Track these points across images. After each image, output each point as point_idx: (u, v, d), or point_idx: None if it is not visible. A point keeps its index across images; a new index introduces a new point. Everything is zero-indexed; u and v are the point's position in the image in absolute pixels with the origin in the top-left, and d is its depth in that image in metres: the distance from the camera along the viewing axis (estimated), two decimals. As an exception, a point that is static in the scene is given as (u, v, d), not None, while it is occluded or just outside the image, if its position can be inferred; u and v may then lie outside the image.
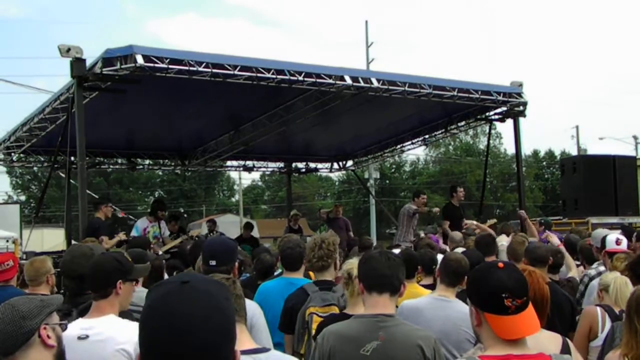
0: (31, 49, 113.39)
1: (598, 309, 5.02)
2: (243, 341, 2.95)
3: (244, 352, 2.86)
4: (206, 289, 1.68)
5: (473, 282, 2.83)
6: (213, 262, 4.26)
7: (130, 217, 17.24)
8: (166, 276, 7.68)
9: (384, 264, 3.66)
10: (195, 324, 1.59)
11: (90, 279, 3.87)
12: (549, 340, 3.36)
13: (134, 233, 11.68)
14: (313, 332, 4.49)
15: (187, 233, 12.57)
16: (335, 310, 4.66)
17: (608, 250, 6.69)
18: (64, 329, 2.86)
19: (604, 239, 6.94)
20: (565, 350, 3.37)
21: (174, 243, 11.23)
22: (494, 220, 12.96)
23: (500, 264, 2.72)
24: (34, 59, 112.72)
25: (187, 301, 1.62)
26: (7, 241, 15.33)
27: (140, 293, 5.35)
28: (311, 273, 6.92)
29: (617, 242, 6.76)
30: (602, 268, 6.75)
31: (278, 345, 4.58)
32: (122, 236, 10.70)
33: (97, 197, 27.44)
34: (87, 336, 3.51)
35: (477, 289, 2.76)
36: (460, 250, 6.83)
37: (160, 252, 10.30)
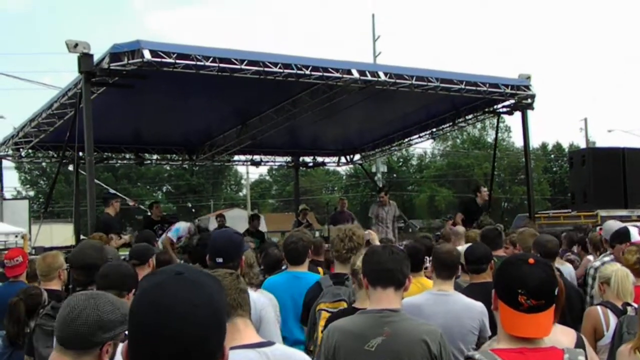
0: (37, 45, 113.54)
1: (599, 308, 4.97)
2: (248, 335, 2.96)
3: (249, 346, 2.86)
4: (199, 282, 1.66)
5: (499, 269, 2.80)
6: (220, 259, 4.23)
7: (141, 206, 17.22)
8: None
9: (388, 258, 3.62)
10: (184, 316, 1.57)
11: (108, 277, 3.84)
12: (562, 335, 3.32)
13: (172, 233, 11.45)
14: (320, 328, 4.50)
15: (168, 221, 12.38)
16: (344, 305, 4.64)
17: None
18: (122, 340, 2.83)
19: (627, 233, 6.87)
20: (579, 344, 3.33)
21: (124, 240, 10.77)
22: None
23: (531, 260, 2.64)
24: (41, 55, 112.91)
25: (178, 292, 1.61)
26: (17, 236, 15.39)
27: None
28: (320, 269, 6.96)
29: None
30: (606, 259, 6.72)
31: (284, 340, 4.58)
32: (127, 239, 10.58)
33: (108, 189, 27.40)
34: None
35: (499, 277, 2.74)
36: (464, 244, 6.79)
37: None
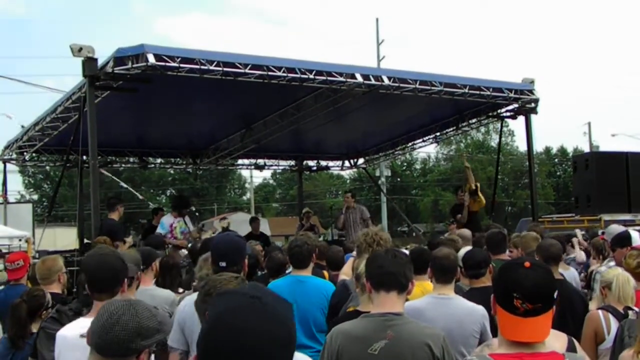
0: (38, 48, 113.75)
1: (600, 312, 4.97)
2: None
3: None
4: (275, 308, 1.71)
5: (497, 273, 2.79)
6: (223, 263, 4.24)
7: (150, 203, 17.20)
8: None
9: (391, 262, 3.64)
10: (263, 341, 1.61)
11: (98, 278, 3.81)
12: (554, 339, 3.31)
13: (160, 230, 11.71)
14: None
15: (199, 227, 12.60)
16: None
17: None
18: (153, 351, 2.78)
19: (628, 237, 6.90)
20: (571, 349, 3.33)
21: (128, 244, 11.03)
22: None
23: (527, 263, 2.62)
24: (42, 59, 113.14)
25: (257, 318, 1.64)
26: (20, 240, 15.41)
27: (151, 291, 5.38)
28: (325, 272, 6.98)
29: None
30: (611, 263, 6.73)
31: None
32: (130, 241, 10.74)
33: (119, 182, 27.39)
34: None
35: (496, 282, 2.74)
36: (467, 247, 6.80)
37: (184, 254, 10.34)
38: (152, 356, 2.71)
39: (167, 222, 11.90)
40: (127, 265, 3.98)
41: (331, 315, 5.10)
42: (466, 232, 9.82)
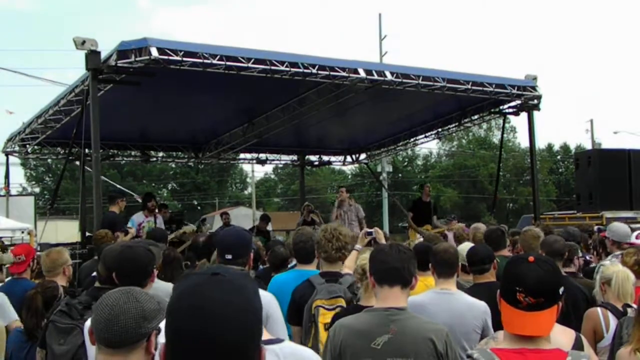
0: (39, 41, 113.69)
1: (599, 310, 4.95)
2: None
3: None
4: (236, 282, 1.68)
5: (504, 268, 2.81)
6: (229, 256, 4.22)
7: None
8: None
9: (395, 257, 3.62)
10: (225, 317, 1.59)
11: (128, 272, 3.74)
12: (561, 334, 3.30)
13: (129, 225, 11.61)
14: (320, 325, 4.56)
15: (182, 225, 12.59)
16: (342, 302, 4.69)
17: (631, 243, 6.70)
18: (158, 333, 2.75)
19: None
20: (578, 345, 3.33)
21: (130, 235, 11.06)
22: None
23: (531, 258, 2.64)
24: (42, 52, 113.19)
25: (217, 294, 1.62)
26: (23, 232, 15.41)
27: (154, 284, 5.39)
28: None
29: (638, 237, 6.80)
30: (615, 260, 6.73)
31: (291, 337, 4.59)
32: (133, 232, 10.72)
33: (115, 185, 27.47)
34: None
35: (503, 276, 2.76)
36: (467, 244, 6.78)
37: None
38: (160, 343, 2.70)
39: (137, 221, 11.77)
40: (155, 257, 3.97)
41: (293, 309, 5.02)
42: (481, 225, 9.74)
